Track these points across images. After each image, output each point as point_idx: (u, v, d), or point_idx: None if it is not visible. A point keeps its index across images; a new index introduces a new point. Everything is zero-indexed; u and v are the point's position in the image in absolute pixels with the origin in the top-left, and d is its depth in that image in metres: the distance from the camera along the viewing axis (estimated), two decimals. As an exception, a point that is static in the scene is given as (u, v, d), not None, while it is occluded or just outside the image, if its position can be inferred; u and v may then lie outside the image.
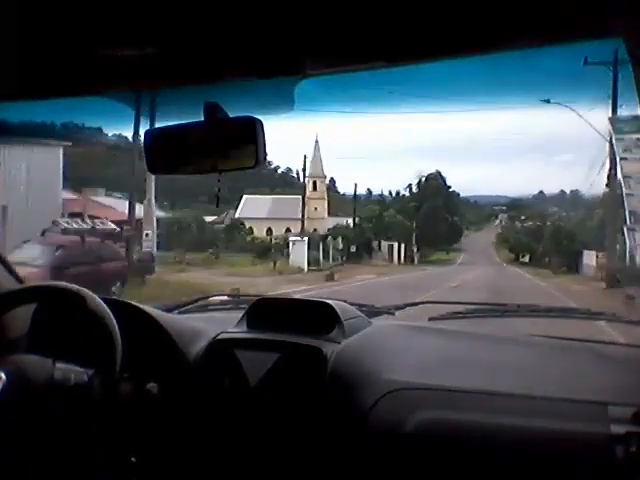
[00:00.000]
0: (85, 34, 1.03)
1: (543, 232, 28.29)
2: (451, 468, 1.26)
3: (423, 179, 35.05)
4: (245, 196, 29.75)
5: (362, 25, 0.97)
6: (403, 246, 29.51)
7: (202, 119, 1.25)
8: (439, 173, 35.08)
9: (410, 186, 36.24)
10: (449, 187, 35.81)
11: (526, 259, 29.24)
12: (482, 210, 44.04)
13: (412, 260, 29.78)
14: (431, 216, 32.67)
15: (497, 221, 41.71)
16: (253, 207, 29.07)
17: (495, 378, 1.38)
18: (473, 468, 1.24)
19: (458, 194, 37.47)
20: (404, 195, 36.25)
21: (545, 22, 0.92)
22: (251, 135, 1.23)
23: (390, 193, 36.31)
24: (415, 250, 30.53)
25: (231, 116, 1.26)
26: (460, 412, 1.29)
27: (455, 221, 35.63)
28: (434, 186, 34.02)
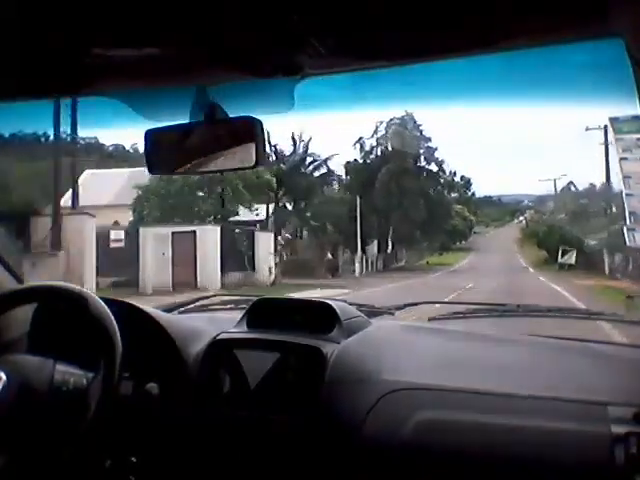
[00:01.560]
0: (84, 34, 1.03)
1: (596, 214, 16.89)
2: (451, 468, 1.26)
3: (382, 130, 18.97)
4: (87, 171, 18.17)
5: (362, 25, 0.97)
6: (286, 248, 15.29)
7: (202, 119, 1.26)
8: (411, 117, 19.69)
9: (361, 142, 19.68)
10: (429, 139, 20.33)
11: (571, 259, 17.43)
12: (506, 207, 40.61)
13: (335, 269, 16.06)
14: (395, 190, 18.13)
15: (522, 217, 33.96)
16: (97, 188, 17.33)
17: (495, 378, 1.38)
18: (473, 468, 1.24)
19: (453, 173, 22.39)
20: (355, 160, 19.77)
21: (545, 22, 0.93)
22: (251, 135, 1.23)
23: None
24: (356, 251, 16.73)
25: (231, 116, 1.26)
26: (460, 412, 1.29)
27: (443, 199, 20.63)
28: (400, 137, 18.36)
